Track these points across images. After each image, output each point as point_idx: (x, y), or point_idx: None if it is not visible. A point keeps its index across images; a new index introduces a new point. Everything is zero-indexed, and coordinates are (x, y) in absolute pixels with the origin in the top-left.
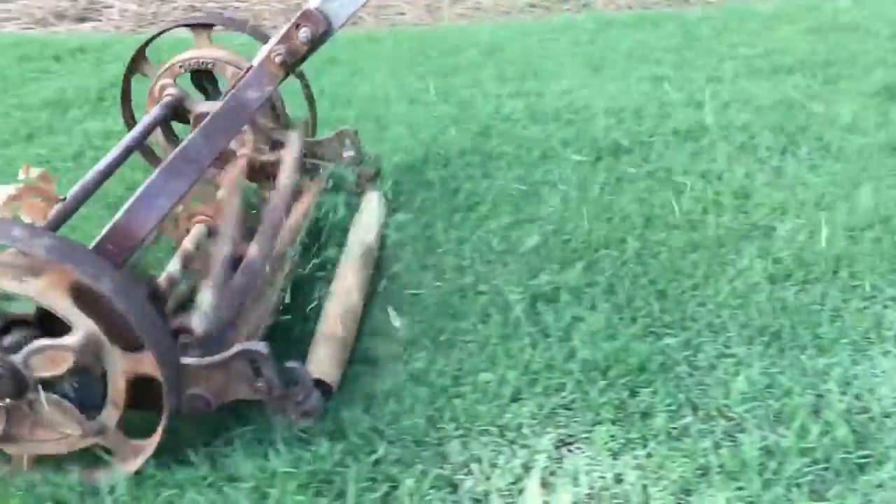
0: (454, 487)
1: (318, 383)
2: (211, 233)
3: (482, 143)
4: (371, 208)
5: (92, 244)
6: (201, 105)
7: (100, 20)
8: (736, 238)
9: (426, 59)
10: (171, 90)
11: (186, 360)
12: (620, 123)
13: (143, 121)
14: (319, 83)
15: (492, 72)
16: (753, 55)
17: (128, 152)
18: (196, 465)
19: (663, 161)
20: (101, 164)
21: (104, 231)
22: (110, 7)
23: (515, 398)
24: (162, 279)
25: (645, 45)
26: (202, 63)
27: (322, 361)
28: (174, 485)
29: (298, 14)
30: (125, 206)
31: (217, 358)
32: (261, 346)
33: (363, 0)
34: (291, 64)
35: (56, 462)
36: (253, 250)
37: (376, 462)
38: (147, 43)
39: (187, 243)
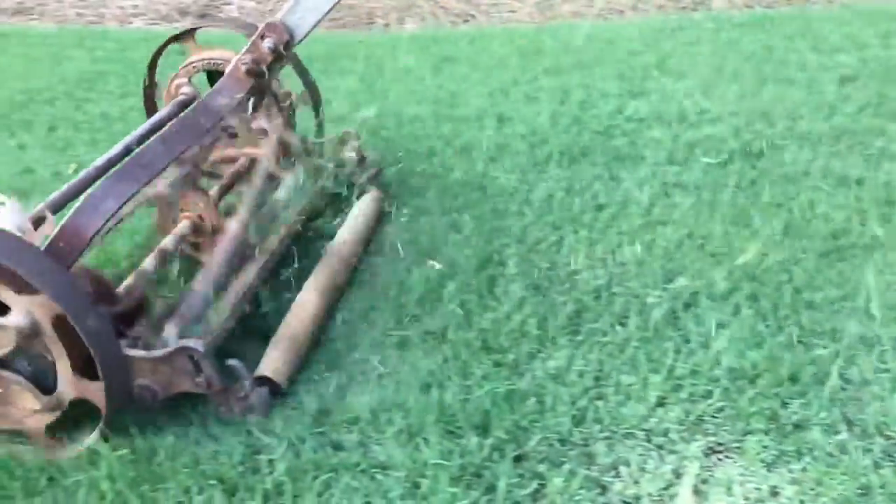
0: (603, 489)
1: (268, 381)
2: (196, 231)
3: (606, 144)
4: (363, 207)
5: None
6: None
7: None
8: (884, 246)
9: (540, 56)
10: (186, 89)
11: (134, 353)
12: (749, 126)
13: (153, 118)
14: (437, 80)
15: (608, 70)
16: (886, 56)
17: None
18: (349, 451)
19: (798, 165)
20: (101, 160)
21: (55, 230)
22: (229, 4)
23: (661, 403)
24: (130, 278)
25: (768, 45)
26: (214, 63)
27: (274, 360)
28: (329, 469)
29: (262, 25)
30: (75, 207)
31: (161, 353)
32: (199, 344)
33: (324, 13)
34: (257, 72)
35: (216, 443)
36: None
37: (522, 458)
38: (166, 44)
39: (168, 242)
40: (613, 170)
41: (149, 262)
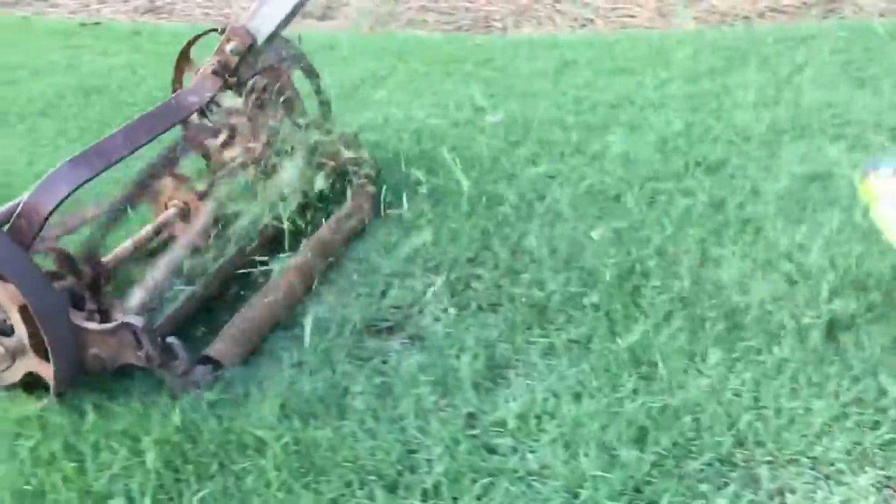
0: None
1: (211, 360)
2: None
3: (744, 155)
4: (352, 205)
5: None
6: (229, 100)
7: (337, 18)
8: None
9: (666, 63)
10: None
11: (87, 325)
12: None
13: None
14: (560, 85)
15: (738, 79)
16: None
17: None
18: (504, 455)
19: None
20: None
21: (16, 213)
22: (347, 6)
23: (825, 431)
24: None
25: None
26: None
27: (224, 340)
28: (487, 473)
29: (228, 29)
30: (31, 189)
31: (108, 326)
32: (138, 320)
33: (281, 18)
34: (225, 73)
35: (373, 438)
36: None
37: (683, 477)
38: (191, 43)
39: (148, 227)
40: (755, 182)
41: (128, 243)
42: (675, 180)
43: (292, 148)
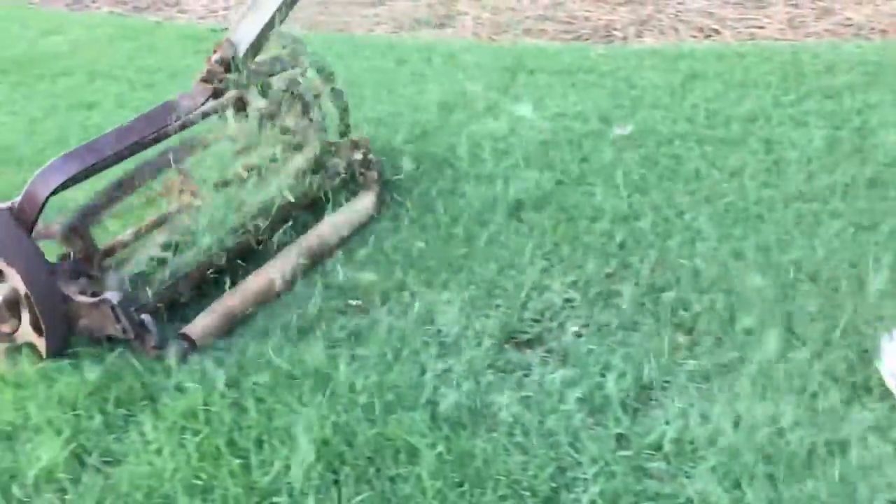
0: None
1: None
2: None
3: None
4: (353, 205)
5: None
6: (258, 100)
7: (455, 27)
8: None
9: (802, 77)
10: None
11: (78, 298)
12: None
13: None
14: (689, 98)
15: (880, 96)
16: None
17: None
18: (661, 480)
19: None
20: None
21: (18, 200)
22: (465, 14)
23: None
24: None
25: None
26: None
27: (202, 318)
28: (645, 497)
29: (216, 42)
30: (31, 179)
31: (92, 300)
32: (115, 296)
33: (258, 31)
34: (213, 80)
35: (525, 454)
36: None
37: None
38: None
39: (152, 217)
40: None
41: (129, 231)
42: (822, 201)
43: (302, 146)
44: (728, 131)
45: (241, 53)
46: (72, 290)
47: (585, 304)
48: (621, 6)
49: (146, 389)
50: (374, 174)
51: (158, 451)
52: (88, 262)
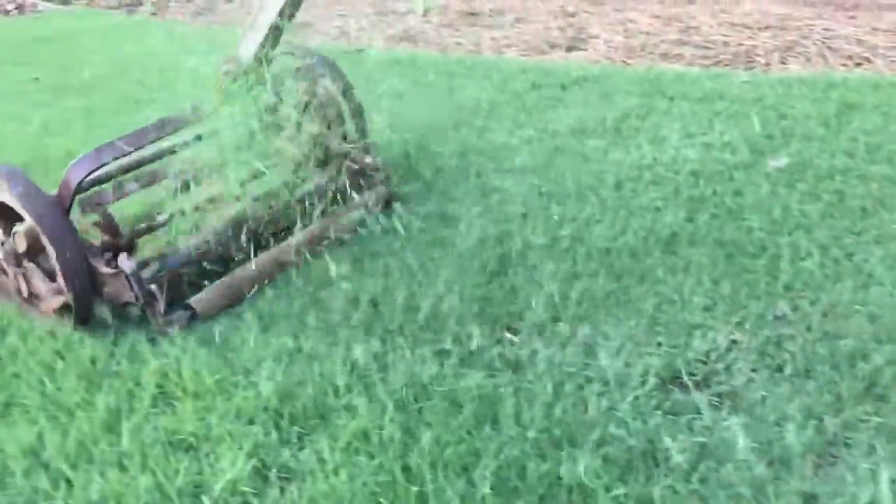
0: None
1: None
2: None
3: None
4: (359, 201)
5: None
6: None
7: (586, 49)
8: None
9: None
10: None
11: (102, 269)
12: None
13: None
14: (847, 130)
15: None
16: None
17: None
18: None
19: None
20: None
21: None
22: (596, 38)
23: None
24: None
25: None
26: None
27: (207, 291)
28: None
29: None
30: (66, 170)
31: (112, 270)
32: (128, 266)
33: (256, 44)
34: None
35: None
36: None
37: None
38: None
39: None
40: None
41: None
42: None
43: (320, 145)
44: (893, 168)
45: (243, 66)
46: (99, 263)
47: (754, 347)
48: (762, 31)
49: (318, 408)
50: (380, 176)
51: (335, 472)
52: (115, 238)
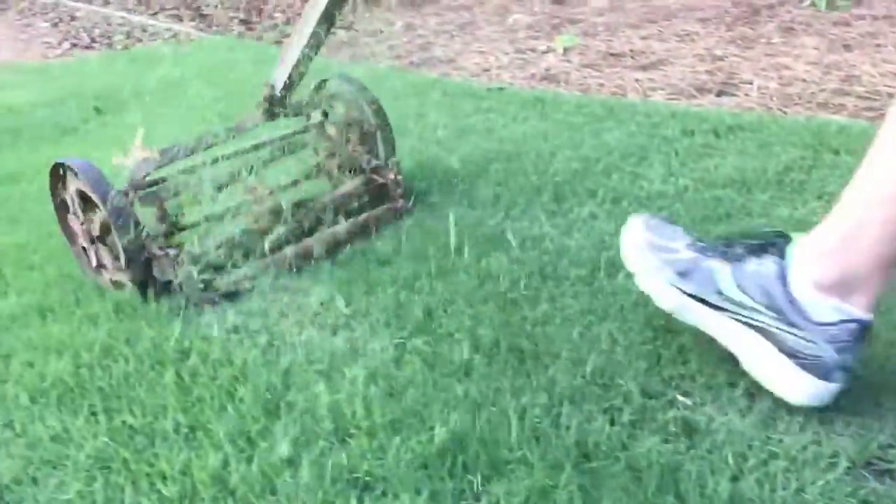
0: None
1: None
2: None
3: None
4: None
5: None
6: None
7: (737, 95)
8: None
9: None
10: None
11: (154, 249)
12: None
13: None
14: None
15: None
16: None
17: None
18: None
19: None
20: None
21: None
22: (748, 83)
23: None
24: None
25: None
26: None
27: (235, 274)
28: None
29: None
30: (132, 168)
31: (161, 251)
32: (173, 251)
33: (285, 76)
34: (266, 113)
35: None
36: None
37: None
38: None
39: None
40: None
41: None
42: None
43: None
44: None
45: (277, 90)
46: (152, 247)
47: None
48: None
49: (491, 459)
50: (400, 191)
51: None
52: (167, 227)
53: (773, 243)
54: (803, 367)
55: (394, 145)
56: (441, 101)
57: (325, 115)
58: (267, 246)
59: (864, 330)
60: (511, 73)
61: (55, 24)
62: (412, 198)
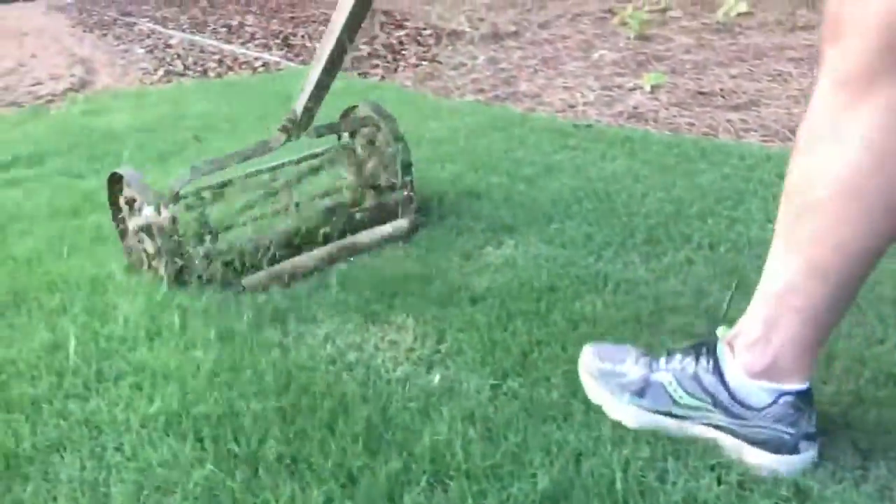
0: None
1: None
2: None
3: None
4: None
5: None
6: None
7: None
8: None
9: None
10: None
11: (188, 249)
12: None
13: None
14: None
15: None
16: None
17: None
18: None
19: None
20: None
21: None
22: None
23: None
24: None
25: None
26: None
27: (260, 273)
28: None
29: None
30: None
31: (192, 249)
32: (201, 249)
33: (304, 101)
34: (289, 134)
35: None
36: None
37: None
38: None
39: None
40: None
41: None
42: None
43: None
44: None
45: (298, 114)
46: (186, 244)
47: None
48: None
49: None
50: (414, 206)
51: None
52: (202, 230)
53: (703, 343)
54: (770, 450)
55: (411, 166)
56: (527, 136)
57: (353, 136)
58: (279, 251)
59: (804, 396)
60: (598, 110)
61: (151, 51)
62: (501, 235)
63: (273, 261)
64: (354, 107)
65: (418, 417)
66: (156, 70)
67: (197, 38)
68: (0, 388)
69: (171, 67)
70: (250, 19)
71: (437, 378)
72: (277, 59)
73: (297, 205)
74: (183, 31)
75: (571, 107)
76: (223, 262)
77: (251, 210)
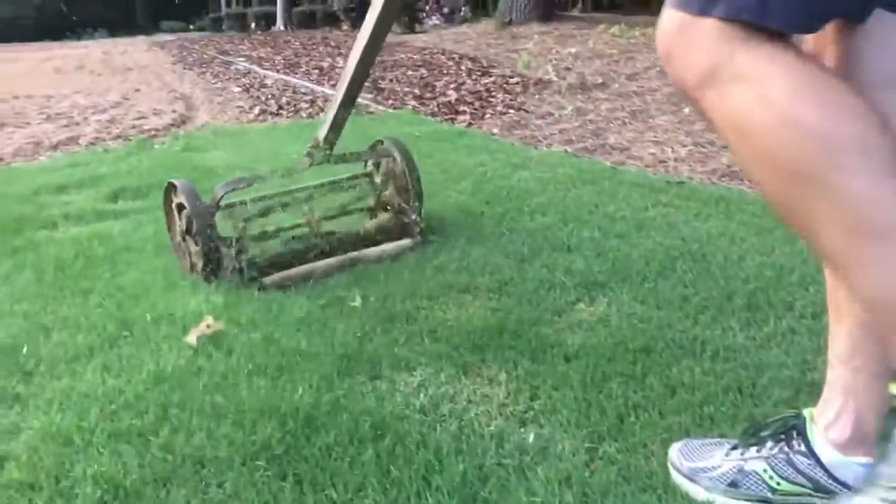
0: None
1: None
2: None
3: None
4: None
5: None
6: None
7: None
8: None
9: None
10: None
11: (223, 249)
12: None
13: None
14: None
15: None
16: None
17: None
18: None
19: None
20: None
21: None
22: None
23: None
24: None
25: None
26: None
27: (273, 275)
28: None
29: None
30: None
31: (226, 249)
32: (234, 250)
33: (325, 130)
34: (310, 158)
35: None
36: None
37: None
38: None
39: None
40: None
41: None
42: None
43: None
44: None
45: (321, 142)
46: (221, 245)
47: None
48: None
49: None
50: (418, 229)
51: None
52: (235, 231)
53: (793, 426)
54: None
55: (422, 195)
56: (617, 190)
57: (377, 166)
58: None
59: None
60: (690, 167)
61: (246, 90)
62: (593, 291)
63: (290, 265)
64: (381, 140)
65: (514, 476)
66: (251, 108)
67: (290, 78)
68: (110, 417)
69: (265, 106)
70: (341, 62)
71: (531, 436)
72: (367, 102)
73: (319, 219)
74: (277, 71)
75: (662, 162)
76: (249, 262)
77: (280, 221)
